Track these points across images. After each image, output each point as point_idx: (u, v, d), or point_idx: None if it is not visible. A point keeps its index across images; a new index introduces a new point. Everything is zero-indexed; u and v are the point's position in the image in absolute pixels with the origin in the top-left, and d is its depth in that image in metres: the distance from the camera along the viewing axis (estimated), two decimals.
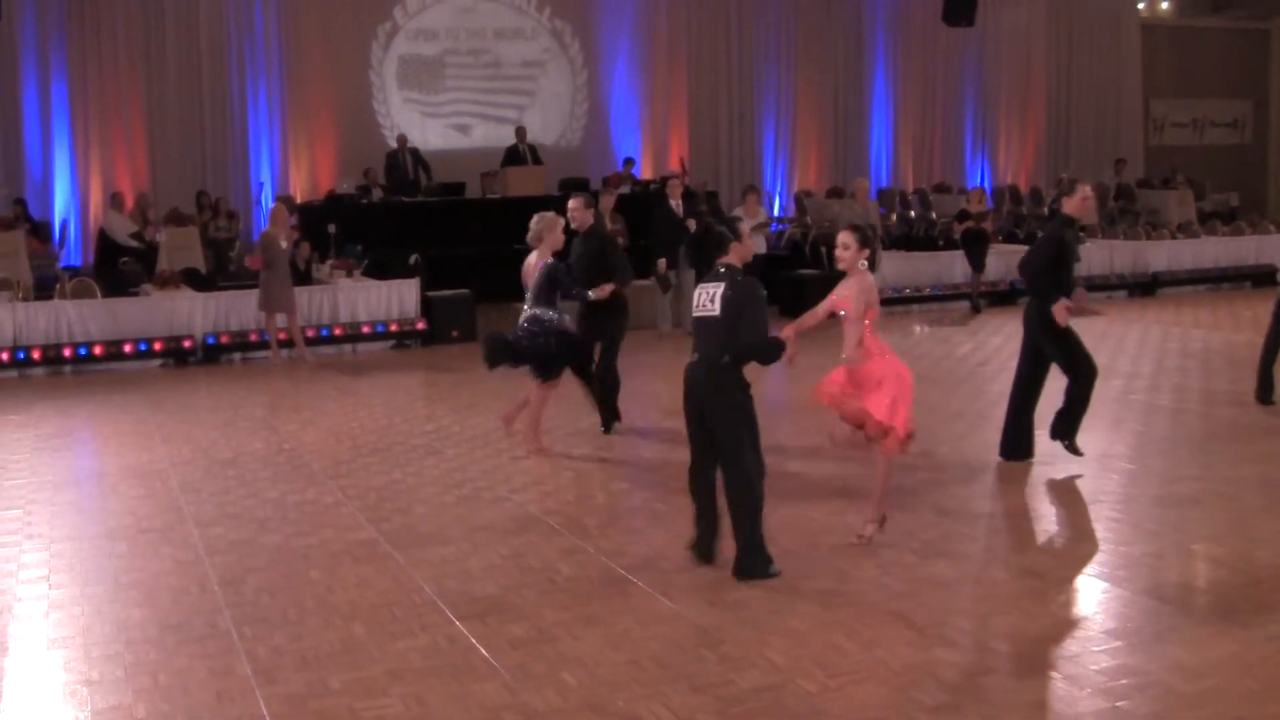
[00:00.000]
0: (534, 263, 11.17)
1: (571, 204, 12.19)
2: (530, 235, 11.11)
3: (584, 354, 11.63)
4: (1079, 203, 10.35)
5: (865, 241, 8.39)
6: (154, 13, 22.78)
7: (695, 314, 7.88)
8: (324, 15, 24.07)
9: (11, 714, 6.20)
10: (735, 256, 7.91)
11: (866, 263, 8.40)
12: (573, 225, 12.03)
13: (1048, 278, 10.08)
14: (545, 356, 11.02)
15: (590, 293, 11.50)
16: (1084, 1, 30.47)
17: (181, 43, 23.01)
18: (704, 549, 8.11)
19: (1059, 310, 9.92)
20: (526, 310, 11.13)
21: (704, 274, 8.04)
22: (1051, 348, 10.29)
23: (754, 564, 7.82)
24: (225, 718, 6.07)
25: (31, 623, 7.43)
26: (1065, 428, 10.47)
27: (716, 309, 7.73)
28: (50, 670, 6.73)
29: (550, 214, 11.25)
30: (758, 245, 19.22)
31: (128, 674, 6.60)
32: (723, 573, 7.93)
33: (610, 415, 12.29)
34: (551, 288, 11.03)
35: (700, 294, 7.86)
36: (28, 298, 17.37)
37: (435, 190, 22.51)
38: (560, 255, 11.25)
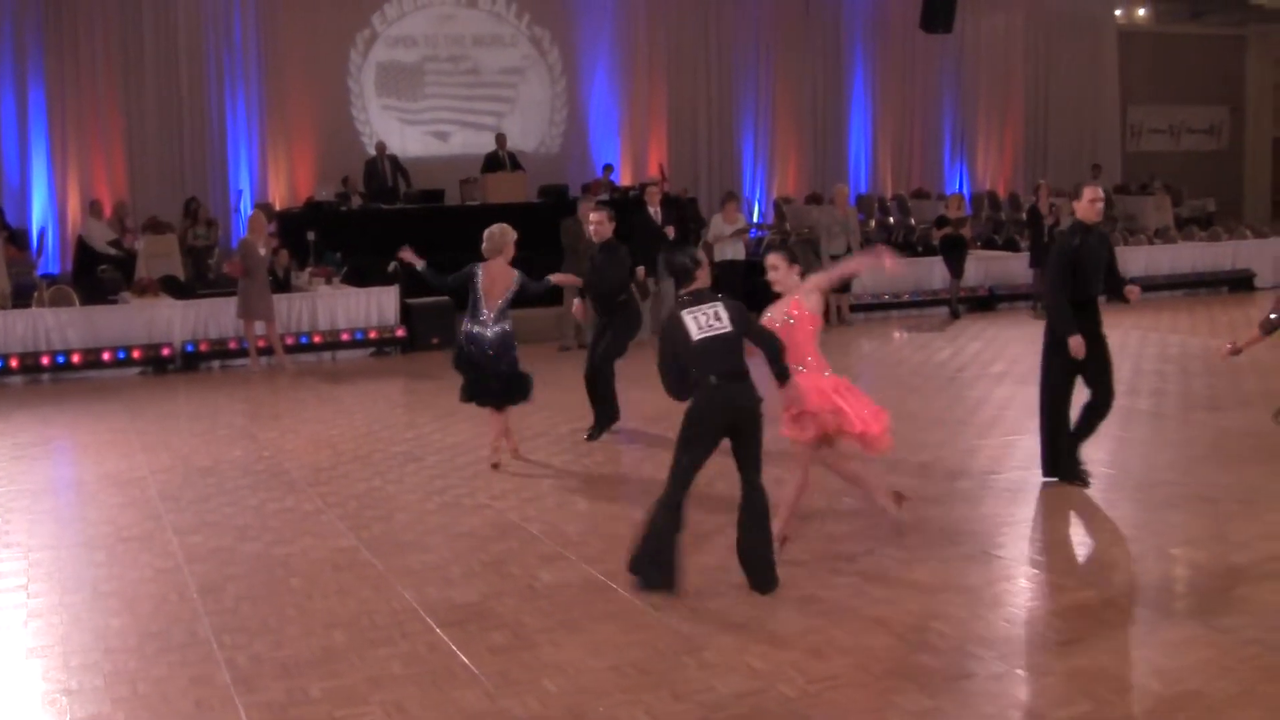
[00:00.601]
0: (498, 272, 10.88)
1: (594, 216, 12.28)
2: (487, 247, 10.88)
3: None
4: (1087, 205, 10.15)
5: (793, 259, 8.34)
6: (132, 19, 22.75)
7: (700, 336, 7.60)
8: (303, 22, 24.06)
9: None
10: (703, 280, 7.85)
11: (799, 278, 8.33)
12: (594, 238, 12.23)
13: (1061, 294, 9.84)
14: (523, 380, 11.07)
15: (551, 278, 11.55)
16: (1062, 8, 30.59)
17: (160, 49, 22.99)
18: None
19: (1075, 345, 9.80)
20: (493, 326, 10.86)
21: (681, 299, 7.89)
22: (1045, 363, 10.18)
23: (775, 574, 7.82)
24: None
25: (9, 631, 7.40)
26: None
27: (727, 324, 7.63)
28: (29, 679, 6.70)
29: (504, 225, 11.11)
30: (736, 252, 19.29)
31: (107, 683, 6.58)
32: (703, 580, 7.92)
33: (606, 416, 12.28)
34: (517, 301, 11.03)
35: (696, 319, 7.65)
36: (5, 306, 17.32)
37: (415, 197, 22.48)
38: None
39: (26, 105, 22.18)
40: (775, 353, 7.68)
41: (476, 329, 10.87)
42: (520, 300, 11.03)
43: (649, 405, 13.03)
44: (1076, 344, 9.64)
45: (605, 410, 12.27)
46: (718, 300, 7.74)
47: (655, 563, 7.66)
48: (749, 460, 7.71)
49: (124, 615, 7.60)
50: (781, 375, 7.73)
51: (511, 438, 11.43)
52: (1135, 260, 23.36)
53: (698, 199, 24.91)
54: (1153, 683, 6.27)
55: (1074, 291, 9.84)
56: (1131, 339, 17.71)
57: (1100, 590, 7.68)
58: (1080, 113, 31.01)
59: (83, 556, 8.84)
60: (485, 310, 10.84)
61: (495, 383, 10.94)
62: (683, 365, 7.69)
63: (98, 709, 6.27)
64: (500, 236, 10.92)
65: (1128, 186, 30.03)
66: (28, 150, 22.29)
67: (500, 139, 24.15)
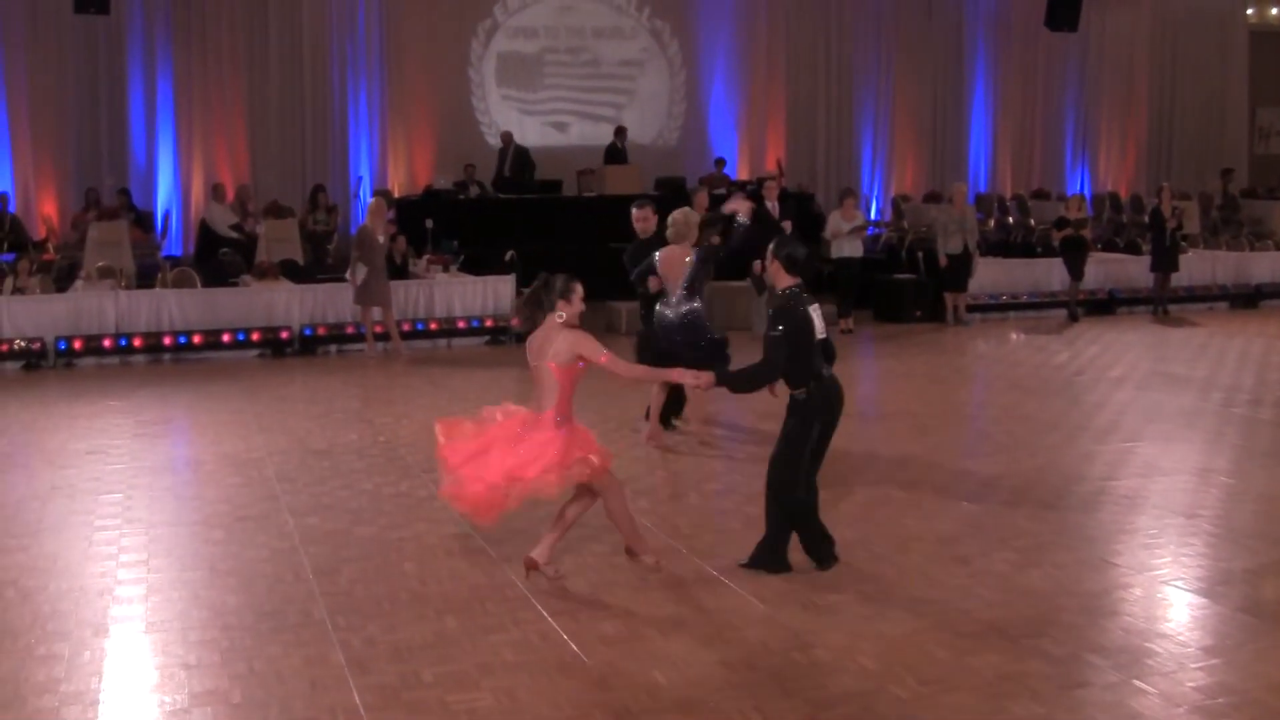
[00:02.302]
0: (677, 256, 11.20)
1: (637, 213, 12.17)
2: (672, 233, 11.22)
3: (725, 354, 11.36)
4: None
5: None
6: (258, 10, 23.13)
7: (821, 336, 7.91)
8: (425, 13, 24.26)
9: (111, 695, 6.29)
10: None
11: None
12: (639, 234, 12.07)
13: None
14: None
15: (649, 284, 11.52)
16: (1190, 6, 29.97)
17: (284, 39, 23.33)
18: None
19: None
20: (677, 308, 11.15)
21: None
22: None
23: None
24: (319, 707, 6.13)
25: (131, 606, 7.55)
26: None
27: (822, 322, 8.00)
28: (148, 653, 6.84)
29: (688, 210, 11.49)
30: (854, 249, 19.18)
31: (224, 659, 6.69)
32: (815, 576, 7.90)
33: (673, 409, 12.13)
34: (704, 274, 11.27)
35: (817, 313, 7.93)
36: (130, 286, 17.65)
37: (533, 188, 22.61)
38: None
39: (155, 93, 22.59)
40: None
41: (661, 309, 11.26)
42: (712, 271, 11.43)
43: (759, 401, 12.99)
44: None
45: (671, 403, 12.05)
46: (814, 301, 8.02)
47: (813, 546, 8.08)
48: (823, 453, 8.06)
49: (241, 593, 7.72)
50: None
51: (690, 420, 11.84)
52: (1261, 266, 22.91)
53: (815, 195, 24.79)
54: (1272, 698, 6.14)
55: None
56: (1255, 347, 17.35)
57: (1219, 602, 7.54)
58: (1207, 114, 30.38)
59: (201, 534, 9.00)
60: (671, 295, 11.22)
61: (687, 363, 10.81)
62: (805, 356, 7.79)
63: (215, 684, 6.38)
64: (683, 222, 11.23)
65: (1254, 190, 29.38)
66: (155, 136, 22.70)
67: (620, 131, 24.20)
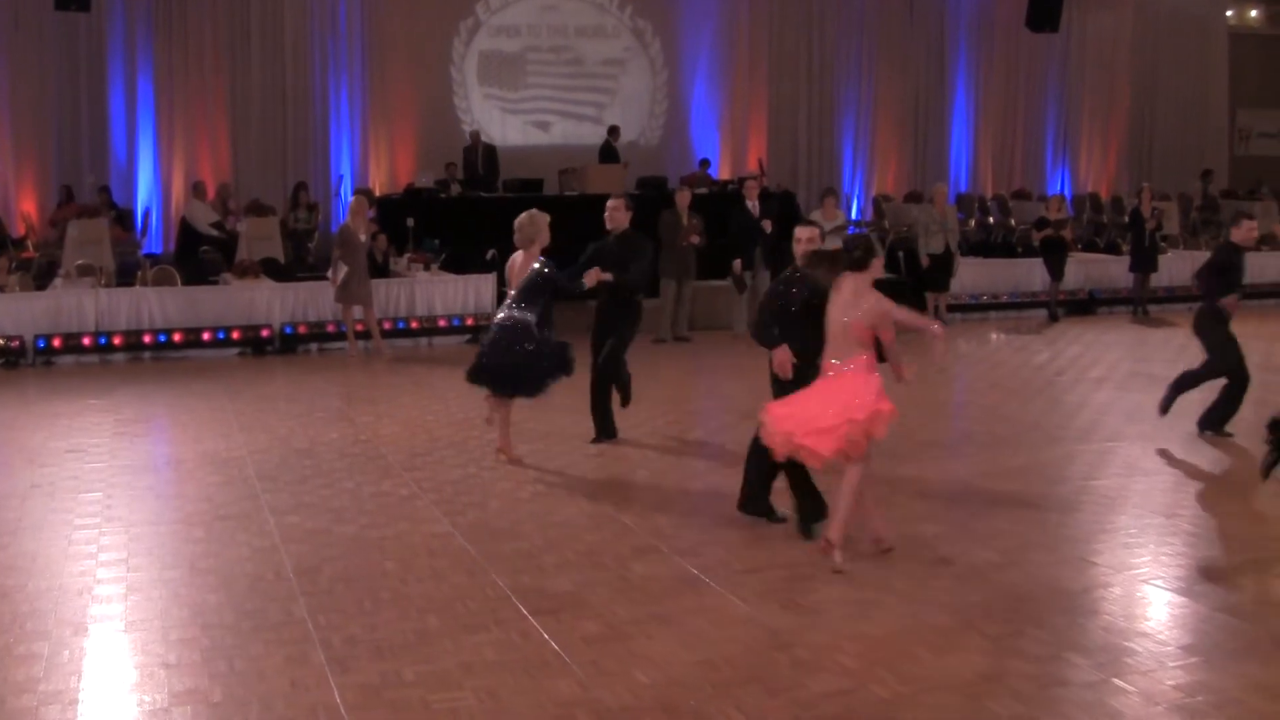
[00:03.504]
0: (521, 262, 10.74)
1: (611, 203, 11.70)
2: (519, 238, 10.72)
3: (567, 366, 10.81)
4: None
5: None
6: (239, 10, 23.03)
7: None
8: (407, 10, 24.21)
9: (90, 694, 6.27)
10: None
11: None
12: (608, 225, 11.60)
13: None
14: (533, 374, 10.58)
15: (584, 280, 11.05)
16: (1171, 8, 30.08)
17: (266, 36, 23.24)
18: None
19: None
20: (503, 313, 10.70)
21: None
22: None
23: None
24: (300, 706, 6.11)
25: (110, 604, 7.52)
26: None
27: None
28: (128, 652, 6.81)
29: (534, 213, 10.87)
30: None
31: (204, 658, 6.67)
32: (797, 573, 7.92)
33: (604, 427, 11.77)
34: (543, 291, 10.63)
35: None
36: (110, 284, 17.59)
37: (514, 186, 22.57)
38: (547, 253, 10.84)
39: (135, 90, 22.49)
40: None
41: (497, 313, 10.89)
42: (552, 294, 10.75)
43: (741, 400, 13.02)
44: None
45: (603, 423, 11.79)
46: None
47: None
48: None
49: (221, 592, 7.70)
50: None
51: (502, 435, 11.08)
52: None
53: (796, 194, 24.81)
54: (1253, 697, 6.16)
55: None
56: None
57: (1199, 601, 7.57)
58: (1187, 115, 30.49)
59: (182, 533, 8.97)
60: (512, 295, 10.74)
61: (487, 368, 10.64)
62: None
63: (195, 683, 6.36)
64: (529, 226, 10.74)
65: (1235, 191, 29.50)
66: (135, 133, 22.60)
67: (613, 130, 24.16)
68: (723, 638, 6.93)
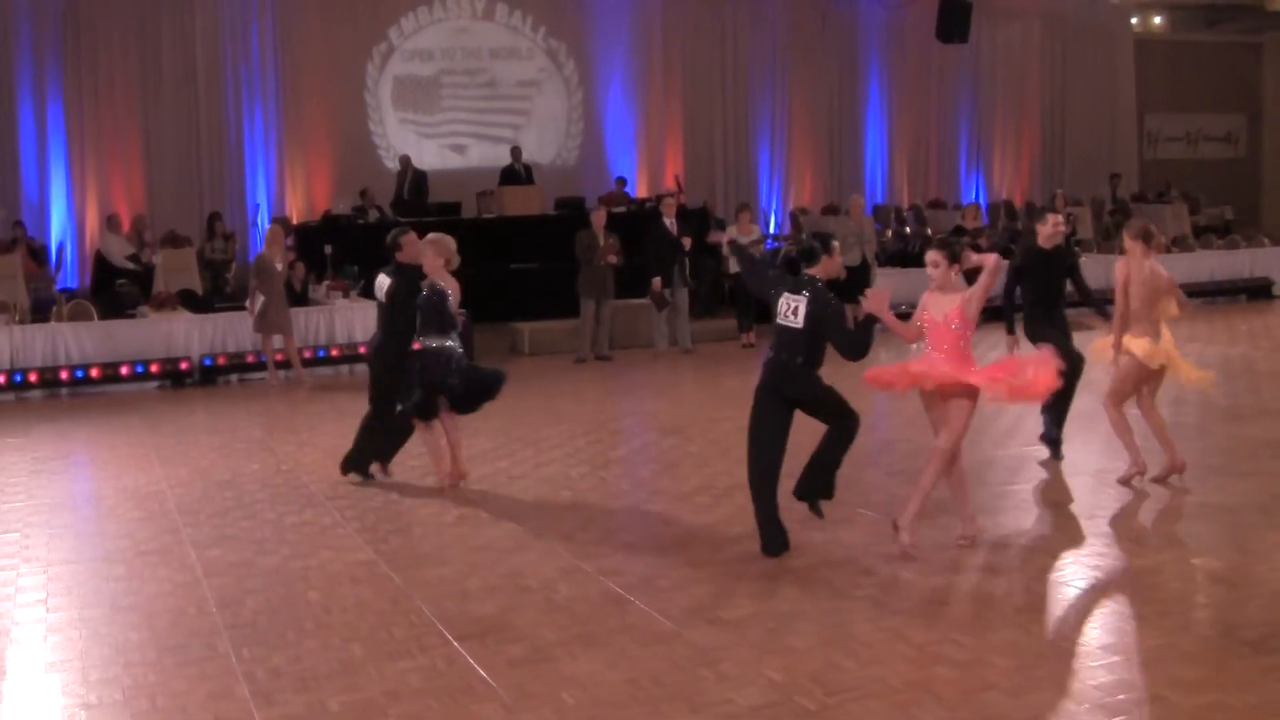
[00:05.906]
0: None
1: (404, 239, 11.36)
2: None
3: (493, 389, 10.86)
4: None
5: (954, 258, 9.00)
6: (150, 35, 22.79)
7: (779, 320, 8.61)
8: (320, 37, 24.08)
9: None
10: (822, 270, 8.64)
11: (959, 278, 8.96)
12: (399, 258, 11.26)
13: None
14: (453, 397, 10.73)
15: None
16: (1078, 17, 30.52)
17: (178, 64, 23.00)
18: (781, 545, 8.65)
19: None
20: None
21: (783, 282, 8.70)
22: None
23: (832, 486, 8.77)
24: None
25: (29, 646, 7.42)
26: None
27: (800, 321, 8.46)
28: (48, 694, 6.73)
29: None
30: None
31: (126, 697, 6.59)
32: (722, 589, 7.94)
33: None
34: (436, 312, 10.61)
35: (785, 303, 8.57)
36: (24, 320, 17.32)
37: (432, 210, 22.51)
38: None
39: (45, 120, 22.22)
40: (848, 347, 8.57)
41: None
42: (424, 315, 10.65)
43: (664, 417, 13.06)
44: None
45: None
46: (806, 294, 8.52)
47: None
48: (823, 410, 8.72)
49: (143, 629, 7.62)
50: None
51: (454, 459, 11.03)
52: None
53: (715, 210, 24.90)
54: (1174, 694, 6.23)
55: None
56: None
57: (1119, 602, 7.67)
58: (1097, 121, 30.93)
59: (102, 571, 8.86)
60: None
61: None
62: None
63: None
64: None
65: (1145, 195, 29.95)
66: (46, 165, 22.32)
67: (516, 151, 24.17)
68: (648, 656, 6.93)
